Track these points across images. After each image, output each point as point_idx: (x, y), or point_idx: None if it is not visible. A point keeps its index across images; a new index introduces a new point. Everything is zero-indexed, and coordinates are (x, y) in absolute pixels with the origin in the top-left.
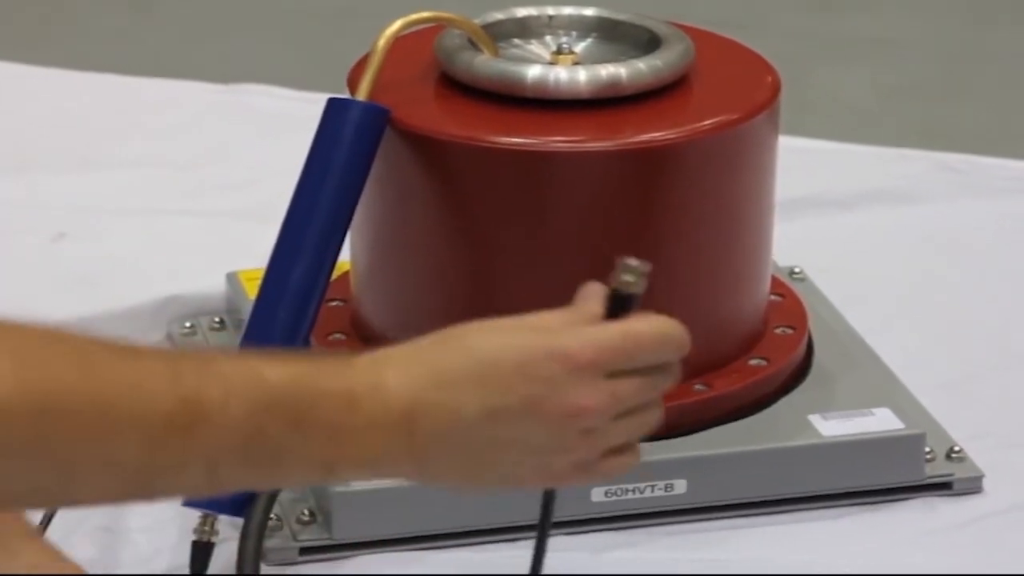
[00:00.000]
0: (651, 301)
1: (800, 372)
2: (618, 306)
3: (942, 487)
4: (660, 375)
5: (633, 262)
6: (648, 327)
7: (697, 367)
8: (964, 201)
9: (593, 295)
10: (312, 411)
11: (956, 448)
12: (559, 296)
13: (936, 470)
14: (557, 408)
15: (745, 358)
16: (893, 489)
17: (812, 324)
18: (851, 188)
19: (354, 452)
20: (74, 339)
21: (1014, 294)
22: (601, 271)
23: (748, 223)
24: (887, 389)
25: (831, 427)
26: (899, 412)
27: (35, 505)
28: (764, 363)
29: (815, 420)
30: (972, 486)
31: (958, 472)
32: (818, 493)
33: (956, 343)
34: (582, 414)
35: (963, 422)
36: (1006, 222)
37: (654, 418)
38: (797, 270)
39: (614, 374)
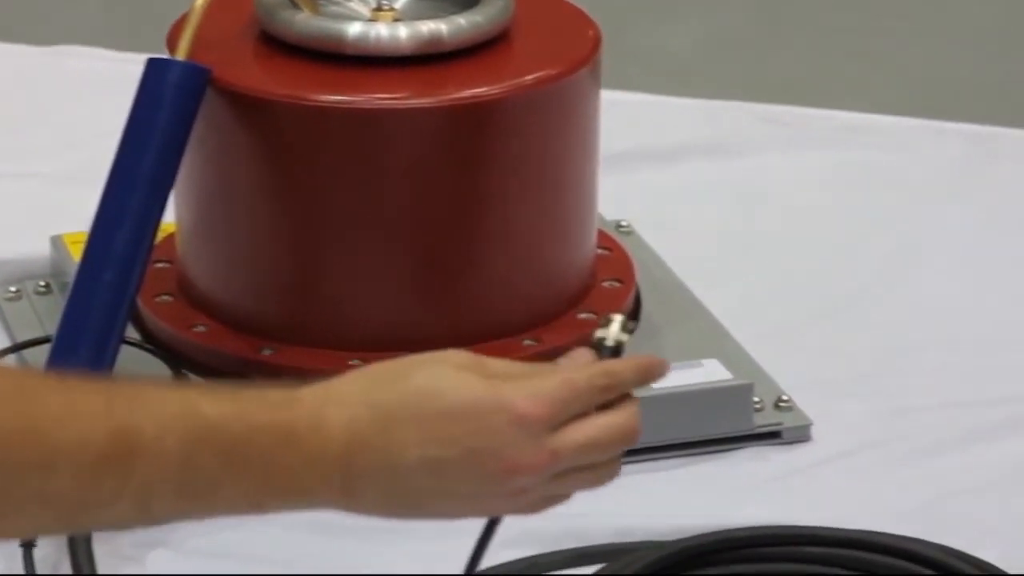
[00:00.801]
0: (478, 258)
1: None
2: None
3: (771, 436)
4: (613, 431)
5: (615, 316)
6: (587, 374)
7: (526, 322)
8: (787, 152)
9: (578, 356)
10: (247, 446)
11: (784, 397)
12: (384, 253)
13: (765, 419)
14: (497, 464)
15: (574, 312)
16: (724, 440)
17: (640, 277)
18: (675, 141)
19: (286, 488)
20: (9, 371)
21: (836, 243)
22: (428, 228)
23: (573, 177)
24: (715, 340)
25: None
26: (727, 363)
27: None
28: (593, 316)
29: None
30: (800, 434)
31: (787, 421)
32: (650, 445)
33: (782, 293)
34: (522, 472)
35: (790, 371)
36: (827, 173)
37: (605, 478)
38: (624, 223)
39: (562, 424)
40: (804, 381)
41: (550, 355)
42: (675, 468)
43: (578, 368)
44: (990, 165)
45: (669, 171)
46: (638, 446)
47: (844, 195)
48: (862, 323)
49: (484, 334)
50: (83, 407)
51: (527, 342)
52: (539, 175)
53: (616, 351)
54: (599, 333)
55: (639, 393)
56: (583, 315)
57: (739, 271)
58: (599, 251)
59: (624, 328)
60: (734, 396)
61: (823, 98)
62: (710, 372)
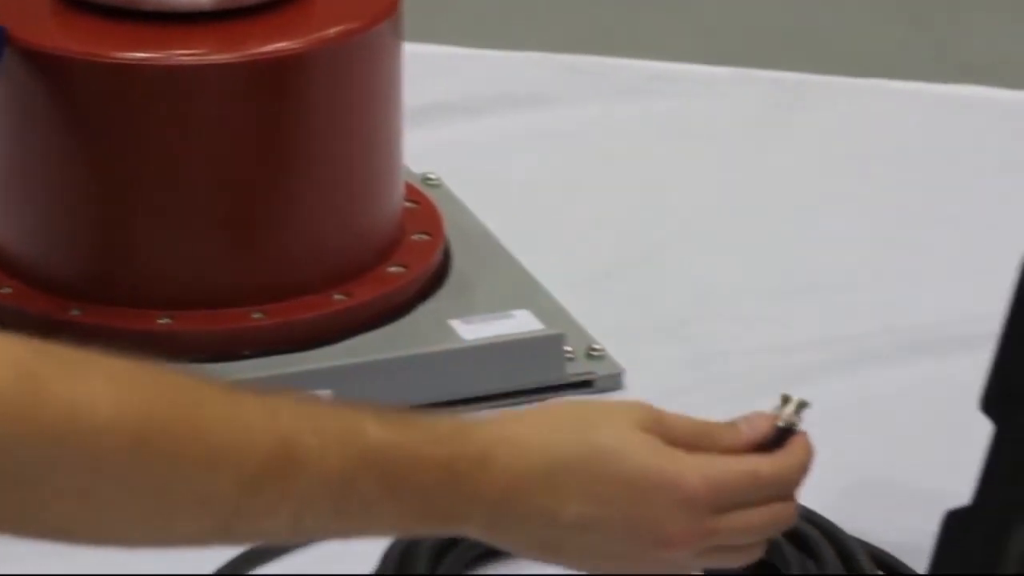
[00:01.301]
0: (284, 214)
1: (439, 278)
2: (779, 438)
3: (584, 385)
4: (771, 521)
5: (795, 398)
6: (771, 468)
7: (336, 276)
8: (594, 102)
9: (758, 421)
10: (406, 477)
11: (596, 346)
12: (190, 210)
13: (577, 369)
14: (652, 534)
15: (383, 266)
16: (536, 390)
17: (449, 229)
18: (481, 93)
19: (440, 519)
20: (168, 370)
21: (644, 191)
22: (232, 185)
23: (378, 130)
24: (525, 291)
25: (472, 331)
26: (538, 313)
27: (134, 540)
28: (402, 270)
29: (456, 325)
30: (613, 383)
31: (599, 370)
32: (463, 397)
33: (591, 243)
34: (674, 546)
35: (602, 320)
36: (635, 122)
37: (744, 559)
38: (432, 176)
39: (722, 508)
40: (615, 330)
41: (360, 309)
42: None
43: (761, 460)
44: (797, 111)
45: (476, 123)
46: (450, 398)
47: (652, 144)
48: (672, 271)
49: (293, 290)
50: (249, 413)
51: (337, 296)
52: (343, 129)
53: (789, 431)
54: (779, 411)
55: (449, 345)
56: (393, 269)
57: (548, 222)
58: (407, 204)
59: (798, 409)
60: (545, 346)
61: (629, 47)
62: (521, 323)
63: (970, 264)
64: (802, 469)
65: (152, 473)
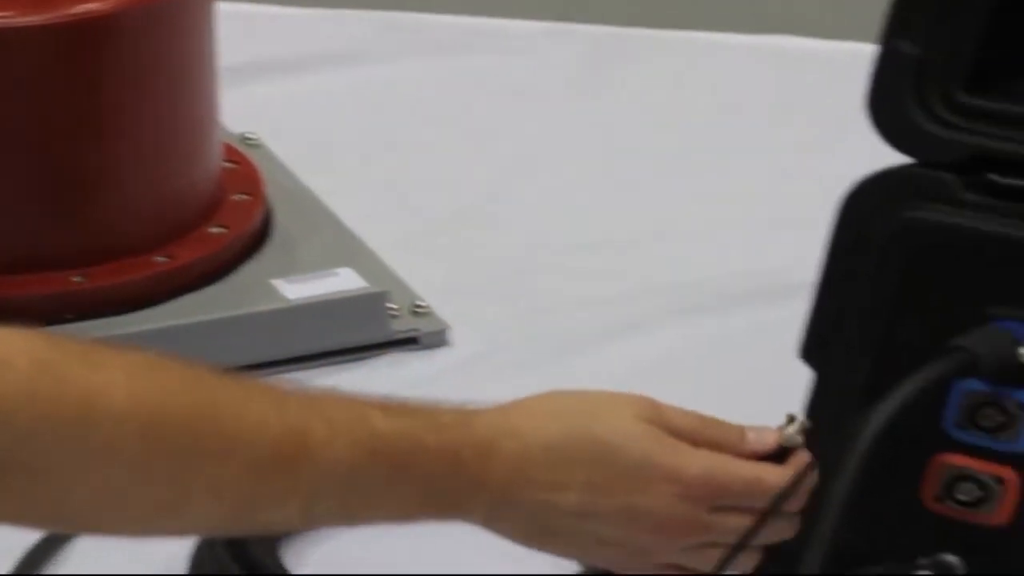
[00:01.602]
0: (101, 176)
1: (261, 238)
2: (781, 455)
3: (409, 342)
4: (771, 531)
5: (800, 419)
6: (776, 479)
7: (157, 238)
8: (410, 59)
9: (766, 435)
10: (412, 464)
11: (420, 303)
12: (5, 174)
13: (402, 326)
14: (648, 523)
15: (204, 227)
16: (362, 348)
17: (269, 189)
18: (298, 51)
19: (440, 506)
20: (181, 363)
21: (464, 148)
22: (49, 148)
23: (192, 90)
24: (348, 249)
25: (295, 290)
26: (361, 271)
27: (149, 530)
28: (224, 231)
29: (279, 284)
30: (438, 339)
31: (423, 327)
32: (288, 357)
33: (411, 200)
34: (668, 535)
35: (425, 277)
36: (451, 78)
37: (740, 568)
38: (250, 136)
39: (720, 507)
40: (439, 286)
41: (183, 271)
42: (314, 379)
43: (767, 468)
44: (616, 65)
45: (295, 82)
46: (275, 358)
47: (471, 100)
48: (493, 227)
49: (114, 253)
50: (259, 404)
51: (159, 259)
52: (156, 90)
53: (790, 450)
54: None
55: (272, 305)
56: (214, 229)
57: (369, 179)
58: (226, 165)
59: (801, 430)
60: (369, 304)
61: (446, 3)
62: (344, 281)
63: (788, 214)
64: (808, 488)
65: (166, 461)
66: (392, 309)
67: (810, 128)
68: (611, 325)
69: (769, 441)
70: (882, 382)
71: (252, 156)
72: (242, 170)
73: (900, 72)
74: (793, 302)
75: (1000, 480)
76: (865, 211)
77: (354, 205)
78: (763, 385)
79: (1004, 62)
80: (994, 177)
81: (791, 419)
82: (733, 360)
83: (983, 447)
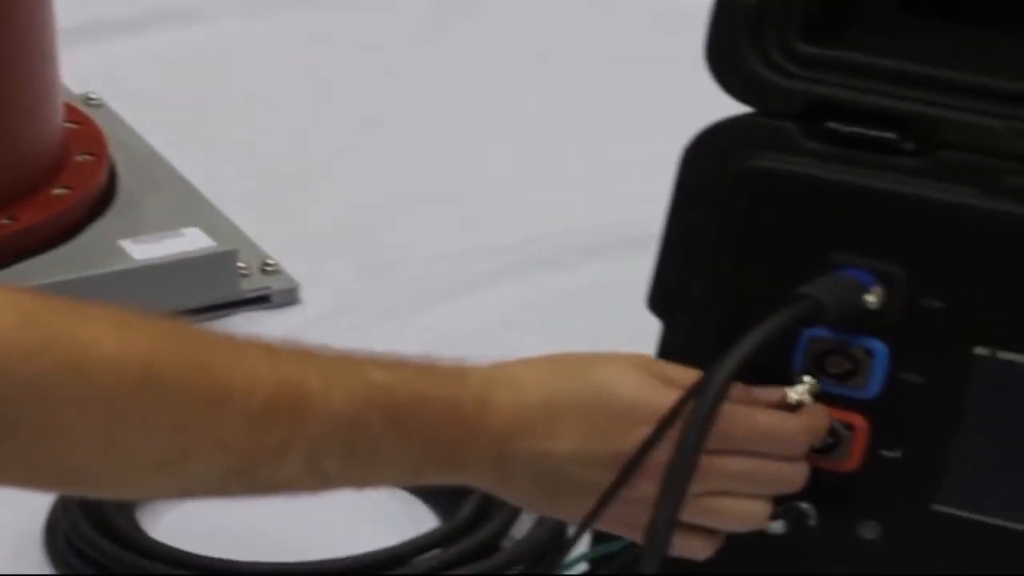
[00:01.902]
0: None
1: (106, 198)
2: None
3: (260, 301)
4: (772, 473)
5: (808, 380)
6: (770, 419)
7: None
8: (253, 15)
9: (772, 392)
10: (412, 413)
11: (270, 261)
12: None
13: (252, 284)
14: (645, 469)
15: (48, 189)
16: (213, 307)
17: (113, 149)
18: (140, 10)
19: (445, 459)
20: (166, 317)
21: (311, 105)
22: None
23: (30, 51)
24: (195, 208)
25: (142, 251)
26: (209, 230)
27: (154, 487)
28: (68, 192)
29: (126, 245)
30: (289, 297)
31: (274, 284)
32: None
33: (259, 157)
34: (658, 476)
35: (274, 235)
36: (297, 33)
37: (751, 517)
38: (93, 96)
39: (714, 449)
40: (289, 244)
41: (28, 234)
42: None
43: (761, 411)
44: (460, 19)
45: (135, 40)
46: None
47: (314, 55)
48: (342, 183)
49: None
50: (250, 356)
51: (2, 221)
52: None
53: (796, 408)
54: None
55: (119, 265)
56: (57, 191)
57: (214, 137)
58: (68, 125)
59: (811, 390)
60: (218, 263)
61: None
62: (192, 240)
63: (635, 166)
64: (810, 432)
65: (164, 411)
66: (242, 268)
67: (656, 79)
68: (461, 280)
69: (774, 399)
70: (729, 332)
71: (95, 116)
72: (85, 130)
73: (737, 22)
74: (643, 254)
75: (850, 427)
76: (706, 161)
77: (200, 164)
78: (613, 337)
79: (841, 10)
80: (833, 125)
81: (799, 379)
82: (582, 313)
83: (832, 394)
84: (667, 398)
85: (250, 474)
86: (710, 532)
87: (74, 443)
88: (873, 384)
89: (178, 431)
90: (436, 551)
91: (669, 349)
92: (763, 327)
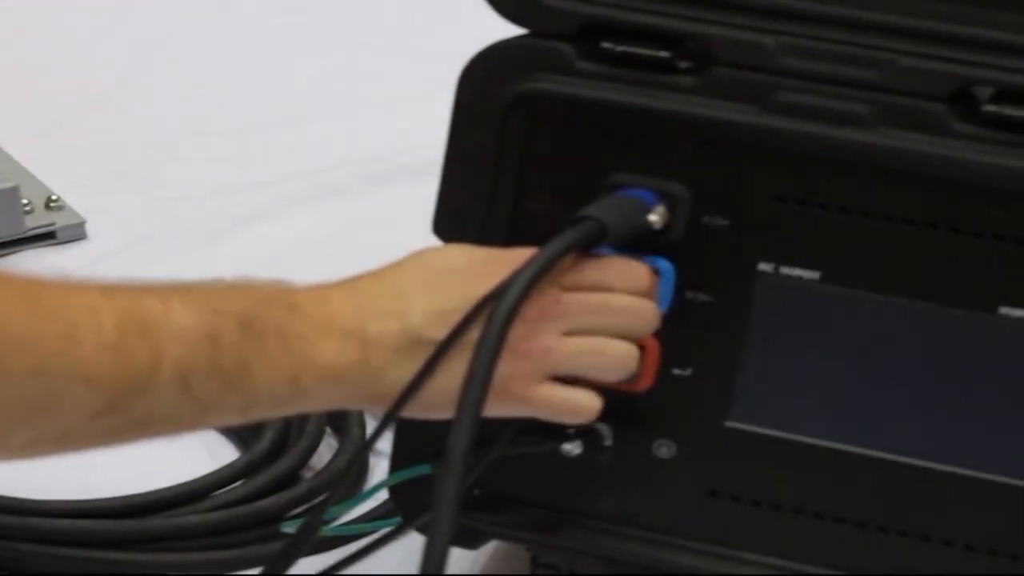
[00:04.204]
0: None
1: None
2: None
3: (46, 237)
4: (629, 302)
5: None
6: (616, 260)
7: None
8: None
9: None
10: (257, 315)
11: (54, 197)
12: None
13: (37, 221)
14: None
15: None
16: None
17: None
18: None
19: (309, 359)
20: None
21: (83, 38)
22: None
23: None
24: None
25: None
26: None
27: (35, 440)
28: None
29: None
30: (76, 233)
31: (59, 220)
32: None
33: (37, 92)
34: (529, 322)
35: (58, 171)
36: None
37: (614, 354)
38: None
39: (570, 286)
40: (73, 179)
41: None
42: None
43: (603, 256)
44: None
45: None
46: None
47: None
48: (121, 117)
49: None
50: (81, 292)
51: None
52: None
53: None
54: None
55: None
56: None
57: None
58: None
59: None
60: (0, 200)
61: None
62: None
63: (416, 92)
64: (648, 272)
65: (18, 354)
66: (25, 204)
67: (438, 4)
68: (249, 211)
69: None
70: None
71: None
72: None
73: None
74: (431, 180)
75: (641, 347)
76: (482, 85)
77: None
78: None
79: None
80: (607, 45)
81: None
82: (371, 239)
83: None
84: (506, 249)
85: (125, 409)
86: (591, 386)
87: None
88: (662, 302)
89: (38, 374)
90: (237, 484)
91: None
92: (547, 249)
